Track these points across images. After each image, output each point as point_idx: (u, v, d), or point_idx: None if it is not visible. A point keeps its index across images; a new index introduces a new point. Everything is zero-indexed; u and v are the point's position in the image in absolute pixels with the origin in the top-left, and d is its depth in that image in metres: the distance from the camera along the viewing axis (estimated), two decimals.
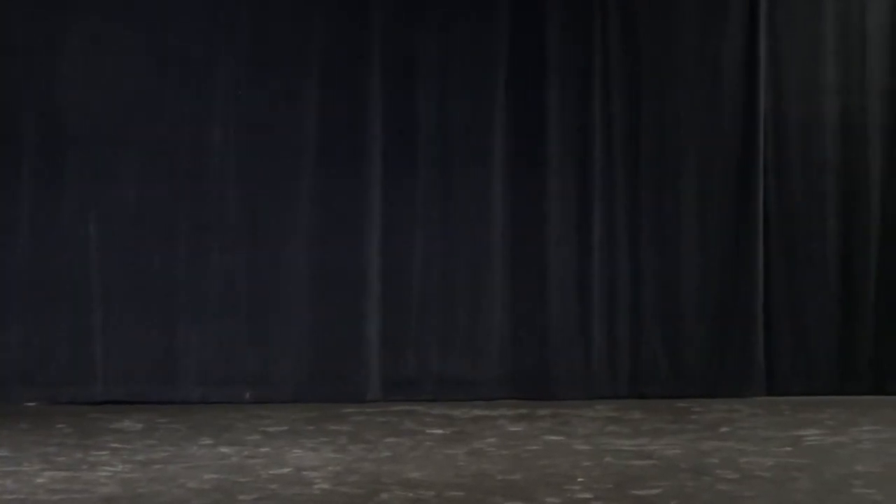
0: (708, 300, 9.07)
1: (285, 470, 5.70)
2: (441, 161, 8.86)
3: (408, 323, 8.77)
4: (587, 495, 5.07)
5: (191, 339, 8.49)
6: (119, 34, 8.51)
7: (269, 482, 5.36)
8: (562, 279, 8.90)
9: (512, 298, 8.85)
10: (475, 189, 8.84)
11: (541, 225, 8.90)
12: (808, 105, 9.28)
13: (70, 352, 8.33)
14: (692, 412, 8.04)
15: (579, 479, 5.46)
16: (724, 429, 7.26)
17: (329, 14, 8.78)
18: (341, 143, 8.76)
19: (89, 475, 5.53)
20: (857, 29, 9.37)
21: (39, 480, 5.40)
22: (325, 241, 8.71)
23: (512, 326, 8.83)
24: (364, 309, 8.68)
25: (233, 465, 5.86)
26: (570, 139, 8.87)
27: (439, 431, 7.12)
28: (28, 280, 8.33)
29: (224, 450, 6.32)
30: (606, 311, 8.92)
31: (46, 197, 8.42)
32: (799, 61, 9.30)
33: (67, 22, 8.50)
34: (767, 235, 9.13)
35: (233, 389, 8.40)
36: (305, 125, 8.74)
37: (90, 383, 8.30)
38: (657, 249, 9.06)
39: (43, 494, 5.06)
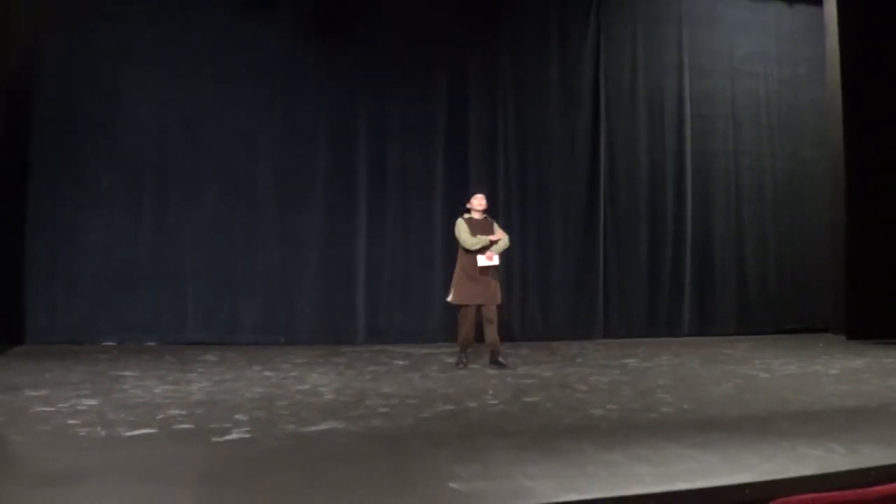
0: (569, 280, 9.22)
1: (306, 386, 5.74)
2: (403, 193, 8.95)
3: (382, 295, 8.82)
4: (494, 401, 5.18)
5: (247, 304, 8.48)
6: (208, 117, 8.47)
7: (296, 394, 5.41)
8: None
9: (448, 280, 8.81)
10: (424, 212, 8.92)
11: None
12: (629, 159, 9.52)
13: (173, 311, 8.31)
14: (559, 349, 8.18)
15: (490, 392, 5.56)
16: (579, 360, 7.38)
17: (332, 102, 8.79)
18: (340, 181, 8.79)
19: (186, 388, 5.57)
20: (658, 111, 9.59)
21: (156, 391, 5.45)
22: (329, 244, 8.72)
23: (446, 297, 8.85)
24: (354, 286, 8.75)
25: (273, 383, 5.89)
26: (484, 181, 8.91)
27: (402, 363, 7.16)
28: (147, 267, 8.27)
29: (268, 373, 6.35)
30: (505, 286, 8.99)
31: (159, 217, 8.40)
32: (624, 132, 9.51)
33: (172, 120, 8.44)
34: (605, 240, 9.36)
35: (273, 336, 8.41)
36: (317, 170, 8.77)
37: (185, 331, 8.30)
38: (538, 249, 9.23)
39: (159, 399, 5.11)
